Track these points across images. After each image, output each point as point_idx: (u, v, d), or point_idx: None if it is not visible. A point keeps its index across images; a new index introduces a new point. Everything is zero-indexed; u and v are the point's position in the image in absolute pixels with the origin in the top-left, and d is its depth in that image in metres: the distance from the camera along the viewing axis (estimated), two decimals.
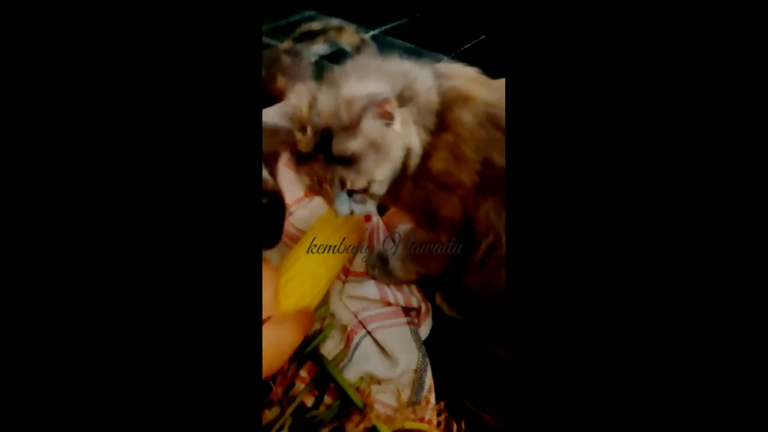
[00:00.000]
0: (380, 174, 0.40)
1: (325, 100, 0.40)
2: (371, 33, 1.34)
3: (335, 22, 0.74)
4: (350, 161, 0.39)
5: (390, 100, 0.38)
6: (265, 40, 1.28)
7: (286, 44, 0.72)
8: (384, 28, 1.40)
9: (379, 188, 0.42)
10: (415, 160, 0.42)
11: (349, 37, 0.74)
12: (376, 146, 0.39)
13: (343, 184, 0.41)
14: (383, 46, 1.28)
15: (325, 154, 0.40)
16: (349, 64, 0.45)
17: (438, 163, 0.42)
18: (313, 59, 0.74)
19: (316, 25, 0.72)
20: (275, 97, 0.62)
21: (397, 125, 0.39)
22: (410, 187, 0.44)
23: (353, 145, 0.38)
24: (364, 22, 1.41)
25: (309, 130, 0.40)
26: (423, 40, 1.31)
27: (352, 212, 0.42)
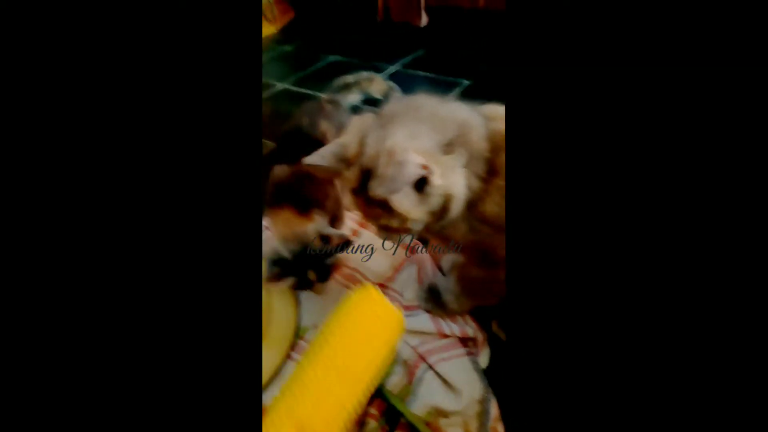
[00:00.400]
0: (415, 215, 0.41)
1: (372, 142, 0.41)
2: (392, 68, 1.41)
3: (365, 74, 0.86)
4: (385, 204, 0.40)
5: (429, 166, 0.38)
6: (297, 88, 1.37)
7: (327, 95, 0.82)
8: (404, 61, 1.45)
9: (416, 226, 0.43)
10: (457, 206, 0.42)
11: (378, 86, 0.86)
12: (410, 196, 0.40)
13: (379, 218, 0.42)
14: (405, 79, 1.34)
15: (365, 194, 0.41)
16: (404, 105, 0.45)
17: (491, 208, 0.43)
18: (349, 106, 0.85)
19: (350, 78, 0.84)
20: (319, 141, 0.69)
21: (437, 178, 0.39)
22: (464, 230, 0.45)
23: (386, 192, 0.39)
24: (383, 58, 1.48)
25: (354, 170, 0.42)
26: (442, 68, 1.36)
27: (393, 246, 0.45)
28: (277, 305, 0.61)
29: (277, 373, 0.54)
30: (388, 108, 0.46)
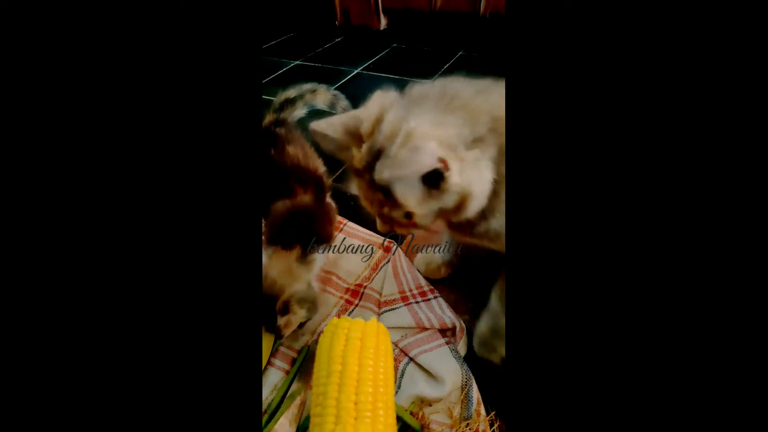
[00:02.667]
0: (421, 209, 0.38)
1: (391, 122, 0.37)
2: (356, 70, 1.42)
3: (308, 86, 0.80)
4: (388, 191, 0.37)
5: (447, 161, 0.34)
6: (262, 96, 1.35)
7: (269, 117, 0.77)
8: (366, 63, 1.47)
9: (422, 220, 0.39)
10: (475, 206, 0.38)
11: (322, 97, 0.81)
12: (421, 187, 0.36)
13: (381, 206, 0.39)
14: (368, 81, 1.35)
15: (370, 176, 0.37)
16: (438, 88, 0.40)
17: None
18: (296, 121, 0.80)
19: (291, 93, 0.78)
20: (296, 166, 0.67)
21: (455, 176, 0.35)
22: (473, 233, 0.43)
23: (391, 178, 0.35)
24: (348, 61, 1.49)
25: (364, 147, 0.38)
26: (406, 69, 1.38)
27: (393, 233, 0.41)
28: None
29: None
30: (417, 88, 0.41)
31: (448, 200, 0.37)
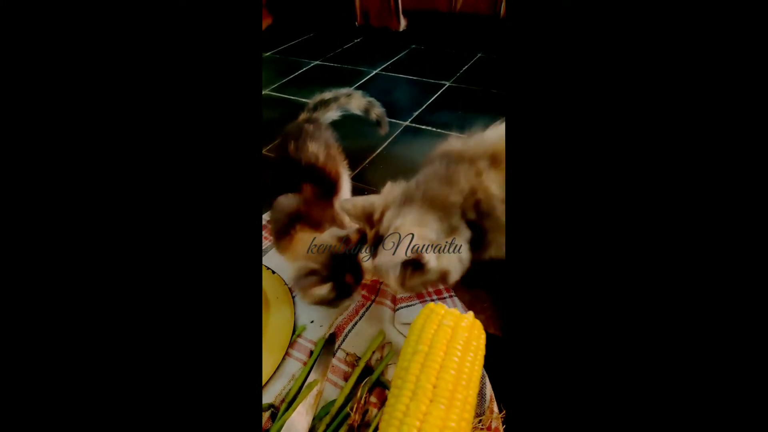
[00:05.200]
0: (402, 290, 0.52)
1: (389, 217, 0.50)
2: (375, 71, 1.43)
3: (344, 90, 0.85)
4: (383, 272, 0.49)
5: (422, 255, 0.46)
6: (279, 94, 1.38)
7: (304, 115, 0.81)
8: (385, 64, 1.48)
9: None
10: (454, 277, 0.50)
11: (357, 102, 0.85)
12: (401, 275, 0.49)
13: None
14: (388, 82, 1.36)
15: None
16: (421, 186, 0.52)
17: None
18: (329, 122, 0.84)
19: (327, 95, 0.83)
20: (311, 164, 0.69)
21: (432, 261, 0.47)
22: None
23: (379, 272, 0.49)
24: (367, 62, 1.50)
25: (371, 232, 0.50)
26: (423, 70, 1.39)
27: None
28: (273, 304, 0.62)
29: (276, 371, 0.55)
30: (411, 186, 0.53)
31: (431, 277, 0.49)
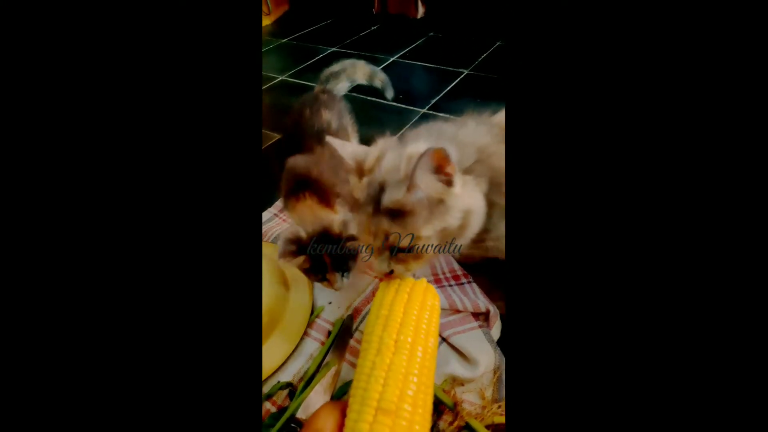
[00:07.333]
0: (426, 231, 0.40)
1: (391, 157, 0.42)
2: (392, 59, 1.42)
3: (348, 61, 0.88)
4: (397, 214, 0.40)
5: (448, 157, 0.38)
6: (295, 80, 1.38)
7: (319, 87, 0.85)
8: (403, 51, 1.46)
9: (426, 241, 0.42)
10: (477, 223, 0.42)
11: (362, 71, 0.89)
12: (427, 202, 0.39)
13: (386, 238, 0.41)
14: (404, 69, 1.35)
15: (374, 206, 0.41)
16: (424, 128, 0.47)
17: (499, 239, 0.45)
18: (342, 94, 0.88)
19: (335, 67, 0.87)
20: (324, 130, 0.72)
21: (457, 187, 0.40)
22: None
23: (403, 196, 0.39)
24: (384, 49, 1.49)
25: (365, 179, 0.42)
26: (441, 58, 1.37)
27: (391, 271, 0.46)
28: (292, 284, 0.63)
29: (295, 350, 0.55)
30: (408, 132, 0.48)
31: (453, 220, 0.41)
